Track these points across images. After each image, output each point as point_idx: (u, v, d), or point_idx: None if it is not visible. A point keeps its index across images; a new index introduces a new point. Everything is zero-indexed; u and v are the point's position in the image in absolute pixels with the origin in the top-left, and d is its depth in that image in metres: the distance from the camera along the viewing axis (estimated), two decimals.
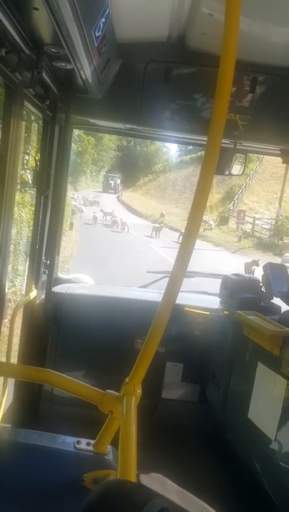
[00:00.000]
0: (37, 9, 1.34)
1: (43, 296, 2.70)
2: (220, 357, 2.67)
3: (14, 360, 2.57)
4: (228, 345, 2.58)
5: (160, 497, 0.63)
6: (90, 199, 32.90)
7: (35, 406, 2.74)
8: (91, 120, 2.66)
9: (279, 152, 2.66)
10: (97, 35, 1.66)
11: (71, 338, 2.73)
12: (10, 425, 2.28)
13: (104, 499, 0.62)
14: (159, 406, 2.86)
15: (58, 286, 2.82)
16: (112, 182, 48.84)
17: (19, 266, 6.65)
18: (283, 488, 1.99)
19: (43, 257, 2.65)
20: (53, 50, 1.66)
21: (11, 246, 3.47)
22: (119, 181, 49.70)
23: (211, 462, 2.51)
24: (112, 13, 1.70)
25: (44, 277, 2.69)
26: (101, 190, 47.13)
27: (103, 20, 1.65)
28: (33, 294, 2.56)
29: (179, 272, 1.01)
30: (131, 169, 54.18)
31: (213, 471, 2.44)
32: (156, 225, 23.77)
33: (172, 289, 1.03)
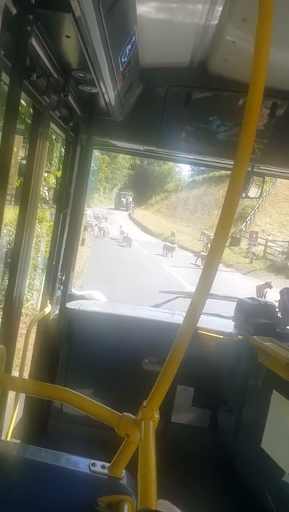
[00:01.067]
0: (68, 37, 1.40)
1: (57, 312, 2.71)
2: (232, 382, 2.61)
3: (26, 374, 2.57)
4: (242, 371, 2.53)
5: None
6: (99, 215, 33.51)
7: (44, 423, 2.71)
8: (111, 141, 2.73)
9: None
10: (122, 61, 1.73)
11: (82, 355, 2.72)
12: (19, 441, 2.26)
13: None
14: (169, 430, 2.79)
15: (72, 303, 2.83)
16: (124, 199, 49.48)
17: (34, 280, 6.71)
18: None
19: (59, 273, 2.68)
20: (80, 74, 1.73)
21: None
22: (131, 199, 50.32)
23: (220, 491, 2.42)
24: (137, 40, 1.77)
25: (58, 293, 2.71)
26: (113, 207, 47.72)
27: (129, 46, 1.72)
28: (48, 309, 2.57)
29: (202, 295, 1.01)
30: (143, 187, 54.89)
31: (222, 501, 2.35)
32: (169, 244, 23.96)
33: (194, 312, 1.03)
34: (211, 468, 2.61)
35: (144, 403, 1.11)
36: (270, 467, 2.06)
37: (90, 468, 1.13)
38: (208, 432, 2.82)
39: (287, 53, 1.92)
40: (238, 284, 16.31)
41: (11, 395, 2.42)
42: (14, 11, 1.19)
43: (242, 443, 2.44)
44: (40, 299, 2.72)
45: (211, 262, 0.99)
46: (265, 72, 0.87)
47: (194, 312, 1.04)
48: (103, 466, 1.14)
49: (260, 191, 2.81)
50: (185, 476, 2.49)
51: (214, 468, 2.61)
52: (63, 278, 2.72)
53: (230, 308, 2.85)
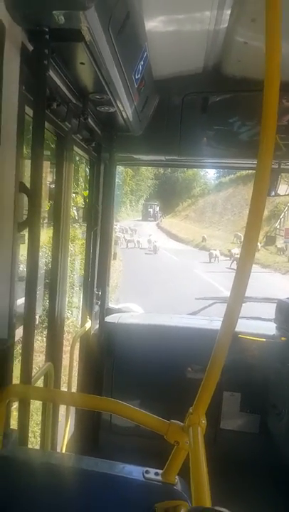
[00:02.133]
0: (83, 64, 1.47)
1: (97, 327, 2.78)
2: (279, 386, 2.53)
3: (73, 390, 2.64)
4: (287, 373, 2.45)
5: None
6: (127, 227, 34.02)
7: (95, 435, 2.76)
8: (133, 156, 2.79)
9: None
10: (136, 77, 1.78)
11: (125, 367, 2.75)
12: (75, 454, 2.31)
13: None
14: (219, 437, 2.74)
15: (110, 316, 2.89)
16: (150, 210, 49.77)
17: (72, 298, 6.89)
18: None
19: (95, 289, 2.75)
20: (97, 96, 1.80)
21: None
22: (158, 209, 50.51)
23: (274, 497, 2.34)
24: (149, 54, 1.82)
25: (96, 308, 2.78)
26: (141, 218, 48.13)
27: (142, 63, 1.77)
28: (88, 324, 2.64)
29: (237, 299, 1.01)
30: (169, 196, 54.97)
31: (278, 507, 2.26)
32: (213, 251, 23.52)
33: (231, 316, 1.03)
34: (264, 474, 2.53)
35: (191, 410, 1.11)
36: None
37: (144, 476, 1.15)
38: (258, 437, 2.74)
39: None
40: (278, 284, 15.77)
41: (61, 411, 2.50)
42: (31, 48, 1.26)
43: None
44: (80, 316, 2.80)
45: (243, 264, 0.99)
46: (278, 68, 0.88)
47: (231, 316, 1.04)
48: (156, 473, 1.16)
49: None
50: (238, 483, 2.43)
51: (267, 474, 2.52)
52: (100, 293, 2.79)
53: (271, 311, 2.78)
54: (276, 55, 0.87)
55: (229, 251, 22.63)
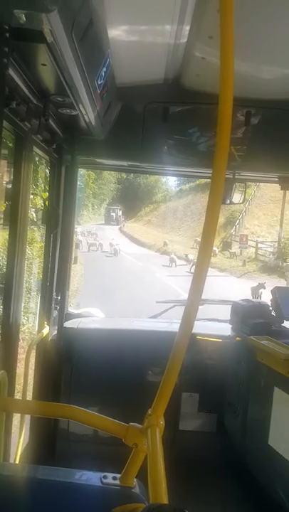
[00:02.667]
0: (45, 65, 1.46)
1: (55, 332, 2.72)
2: (235, 384, 2.63)
3: (29, 397, 2.55)
4: (243, 372, 2.55)
5: None
6: (88, 231, 33.86)
7: (51, 444, 2.69)
8: (95, 159, 2.79)
9: (277, 179, 2.76)
10: (99, 83, 1.79)
11: (84, 373, 2.72)
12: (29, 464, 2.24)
13: None
14: (177, 438, 2.78)
15: (69, 321, 2.84)
16: (113, 214, 49.64)
17: (29, 303, 6.67)
18: None
19: (54, 293, 2.69)
20: (59, 98, 1.78)
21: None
22: (120, 213, 50.51)
23: (233, 493, 2.43)
24: (112, 61, 1.84)
25: (55, 313, 2.72)
26: (103, 222, 47.84)
27: (104, 69, 1.79)
28: (46, 330, 2.58)
29: (194, 301, 1.05)
30: (132, 200, 55.21)
31: (236, 502, 2.35)
32: (173, 256, 24.53)
33: (188, 319, 1.06)
34: (222, 472, 2.61)
35: (149, 411, 1.13)
36: (280, 463, 2.07)
37: (101, 481, 1.15)
38: (216, 436, 2.82)
39: (254, 65, 2.02)
40: (233, 287, 16.38)
41: (15, 421, 2.41)
42: None
43: (250, 443, 2.45)
44: (37, 322, 2.72)
45: (200, 268, 1.04)
46: (232, 84, 0.94)
47: (189, 318, 1.07)
48: (114, 478, 1.16)
49: (243, 196, 2.89)
50: (197, 482, 2.49)
51: (225, 472, 2.61)
52: (59, 298, 2.74)
53: (227, 313, 2.89)
54: (230, 72, 0.93)
55: (186, 255, 23.47)
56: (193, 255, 22.75)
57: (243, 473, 2.46)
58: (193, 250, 25.78)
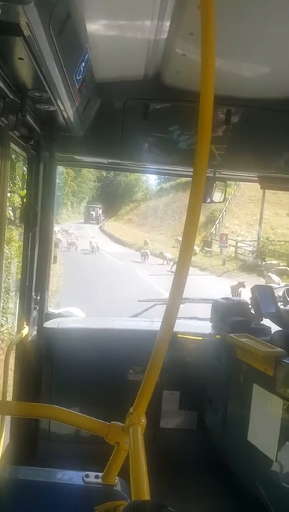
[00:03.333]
0: (22, 59, 1.42)
1: (35, 333, 2.67)
2: (215, 382, 2.66)
3: (9, 399, 2.50)
4: (223, 369, 2.58)
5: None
6: (65, 229, 33.82)
7: (32, 445, 2.65)
8: (74, 156, 2.75)
9: (256, 178, 2.80)
10: (78, 78, 1.76)
11: (65, 373, 2.68)
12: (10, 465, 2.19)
13: None
14: (158, 436, 2.79)
15: (50, 322, 2.80)
16: (93, 213, 49.31)
17: (8, 304, 6.53)
18: (288, 509, 1.95)
19: (33, 293, 2.64)
20: (37, 94, 1.75)
21: None
22: (100, 211, 50.21)
23: (213, 489, 2.46)
24: (90, 57, 1.82)
25: (35, 313, 2.67)
26: (83, 221, 47.44)
27: (83, 64, 1.76)
28: (25, 331, 2.53)
29: (175, 300, 1.05)
30: (112, 199, 54.99)
31: (217, 498, 2.38)
32: (145, 250, 25.91)
33: (170, 317, 1.06)
34: (203, 468, 2.64)
35: (131, 410, 1.13)
36: (258, 458, 2.11)
37: (83, 480, 1.15)
38: (196, 433, 2.85)
39: (235, 63, 2.03)
40: (213, 286, 16.60)
41: None
42: None
43: (230, 439, 2.48)
44: (16, 322, 2.67)
45: (181, 267, 1.04)
46: (213, 82, 0.93)
47: (170, 317, 1.07)
48: (96, 476, 1.16)
49: (223, 195, 2.92)
50: (178, 479, 2.51)
51: (206, 468, 2.64)
52: (38, 298, 2.69)
53: (208, 311, 2.91)
54: (210, 70, 0.93)
55: (161, 253, 24.03)
56: (170, 254, 23.30)
57: (223, 468, 2.49)
58: (174, 249, 26.03)
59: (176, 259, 1.07)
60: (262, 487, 2.11)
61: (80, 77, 1.78)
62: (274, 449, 2.01)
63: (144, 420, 1.11)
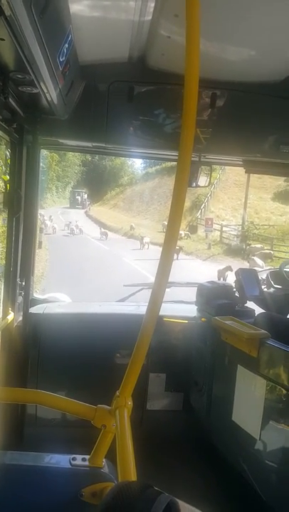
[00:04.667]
0: (3, 40, 1.37)
1: (21, 318, 2.66)
2: (201, 364, 2.73)
3: None
4: (208, 352, 2.65)
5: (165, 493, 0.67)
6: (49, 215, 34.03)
7: (19, 431, 2.67)
8: (59, 140, 2.70)
9: (241, 163, 2.81)
10: (61, 60, 1.72)
11: (51, 358, 2.70)
12: None
13: (118, 497, 0.66)
14: (145, 418, 2.86)
15: (35, 307, 2.79)
16: (78, 197, 48.65)
17: None
18: (270, 485, 2.05)
19: (18, 279, 2.62)
20: (19, 76, 1.69)
21: None
22: (86, 196, 49.58)
23: (200, 468, 2.54)
24: (74, 38, 1.76)
25: (20, 299, 2.66)
26: (68, 206, 46.80)
27: (66, 45, 1.71)
28: (10, 316, 2.52)
29: (161, 284, 1.06)
30: (97, 183, 54.26)
31: (203, 477, 2.47)
32: (104, 230, 28.43)
33: (155, 301, 1.08)
34: (189, 448, 2.73)
35: (117, 393, 1.15)
36: (242, 437, 2.20)
37: (70, 463, 1.17)
38: (182, 414, 2.93)
39: (220, 46, 2.00)
40: (199, 270, 16.78)
41: None
42: None
43: (215, 419, 2.57)
44: (0, 308, 2.65)
45: (166, 251, 1.05)
46: (198, 64, 0.92)
47: (156, 300, 1.09)
48: (83, 459, 1.18)
49: (208, 180, 2.92)
50: (165, 460, 2.58)
51: (192, 448, 2.72)
52: (23, 283, 2.67)
53: (193, 295, 2.95)
54: (195, 52, 0.91)
55: (141, 238, 24.35)
56: (148, 238, 23.93)
57: (209, 448, 2.58)
58: (160, 234, 26.09)
59: (161, 244, 1.08)
60: (246, 464, 2.21)
61: (64, 58, 1.73)
62: (257, 428, 2.08)
63: (130, 403, 1.13)
